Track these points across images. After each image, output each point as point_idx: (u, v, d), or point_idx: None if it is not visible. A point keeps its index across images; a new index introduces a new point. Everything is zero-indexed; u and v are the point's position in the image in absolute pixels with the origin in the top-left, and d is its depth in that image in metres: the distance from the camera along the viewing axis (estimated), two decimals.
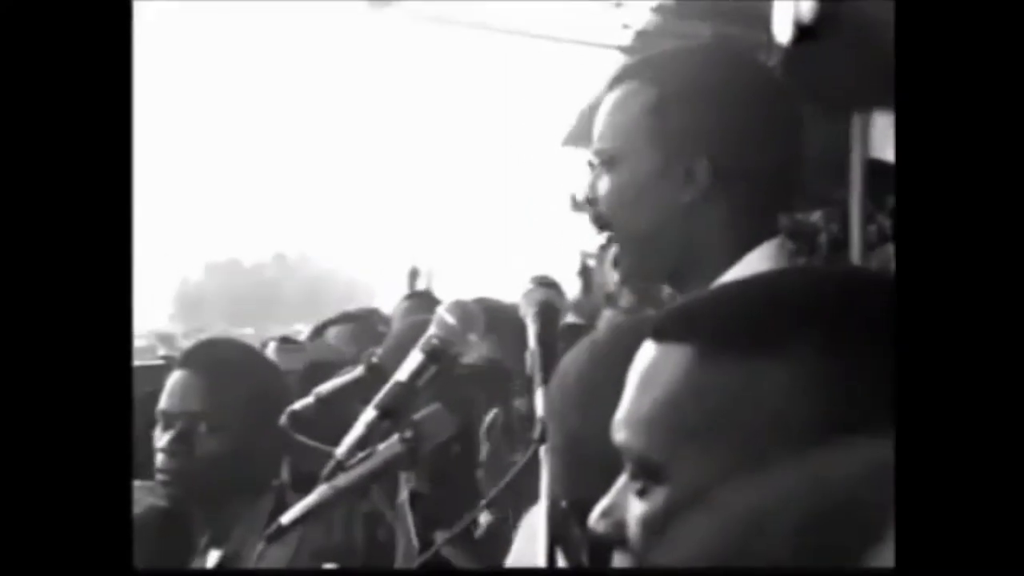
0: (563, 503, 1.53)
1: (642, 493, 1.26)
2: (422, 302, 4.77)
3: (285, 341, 4.45)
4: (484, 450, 2.07)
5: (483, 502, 1.97)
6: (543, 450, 1.70)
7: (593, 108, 2.06)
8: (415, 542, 1.96)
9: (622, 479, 1.29)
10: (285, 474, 2.94)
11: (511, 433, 2.08)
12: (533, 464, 1.73)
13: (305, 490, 2.05)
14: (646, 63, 2.07)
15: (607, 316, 8.12)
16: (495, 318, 2.45)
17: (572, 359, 1.68)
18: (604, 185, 1.96)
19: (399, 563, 1.98)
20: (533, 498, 1.77)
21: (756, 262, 1.91)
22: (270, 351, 4.02)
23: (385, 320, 4.74)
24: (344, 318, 4.78)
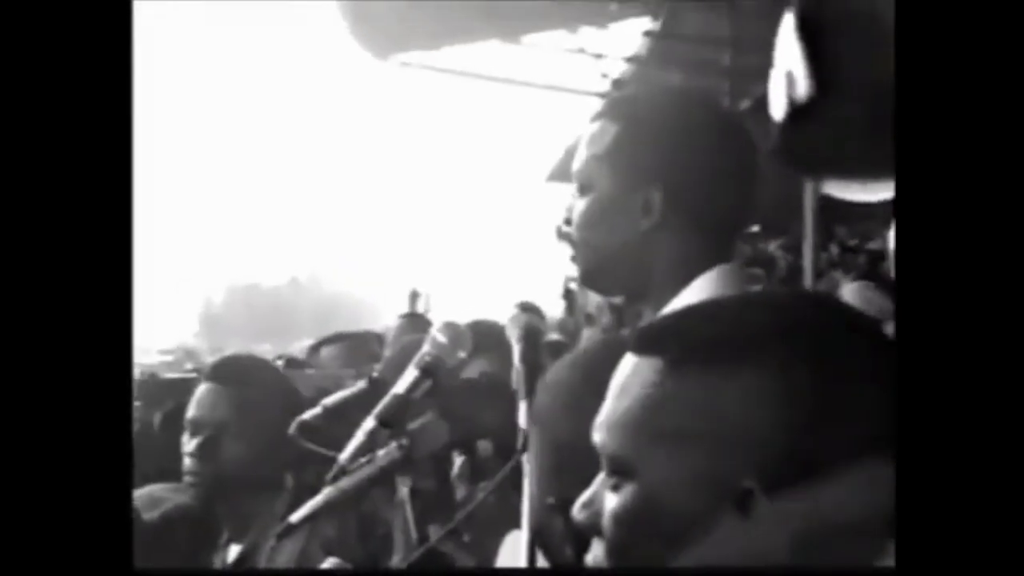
0: (550, 500, 1.53)
1: (615, 488, 1.28)
2: (414, 322, 4.83)
3: (291, 363, 4.43)
4: (459, 492, 2.08)
5: (473, 503, 1.97)
6: (525, 457, 1.70)
7: (575, 147, 2.08)
8: (414, 534, 1.96)
9: (601, 475, 1.31)
10: (288, 481, 2.94)
11: (481, 475, 2.09)
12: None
13: (308, 494, 2.05)
14: (618, 101, 2.09)
15: (587, 335, 8.11)
16: (486, 337, 2.46)
17: (558, 371, 1.68)
18: (576, 209, 1.98)
19: (397, 556, 1.98)
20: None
21: (706, 285, 1.91)
22: None
23: (378, 339, 4.71)
24: (339, 338, 4.72)
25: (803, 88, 1.26)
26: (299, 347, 4.78)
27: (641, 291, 1.96)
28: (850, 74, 1.28)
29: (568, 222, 2.01)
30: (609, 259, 1.96)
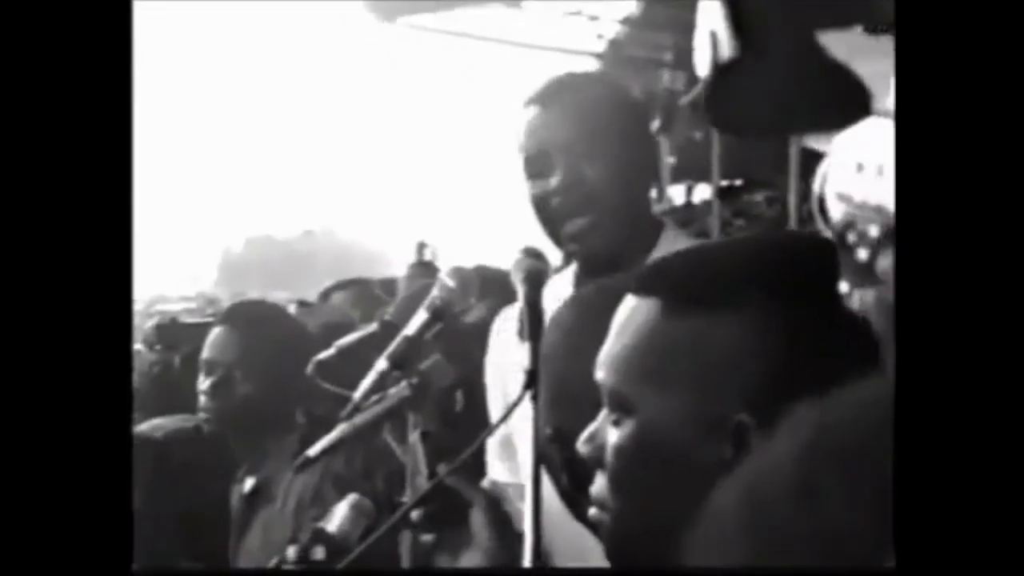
0: (547, 430, 1.53)
1: (616, 423, 1.26)
2: (424, 270, 4.93)
3: (302, 304, 4.52)
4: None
5: (480, 438, 1.95)
6: (530, 395, 1.68)
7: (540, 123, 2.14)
8: (424, 472, 1.94)
9: (604, 411, 1.29)
10: (299, 417, 2.95)
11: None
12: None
13: (320, 429, 2.06)
14: (582, 78, 2.24)
15: None
16: (490, 282, 2.45)
17: (560, 311, 1.68)
18: (592, 171, 2.03)
19: (408, 490, 1.96)
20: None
21: (674, 239, 2.04)
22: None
23: (382, 286, 4.80)
24: (346, 284, 4.79)
25: (726, 47, 1.23)
26: (314, 294, 4.94)
27: (620, 252, 2.01)
28: (773, 32, 1.25)
29: (547, 200, 2.05)
30: (625, 222, 2.02)
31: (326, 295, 4.76)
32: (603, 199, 2.03)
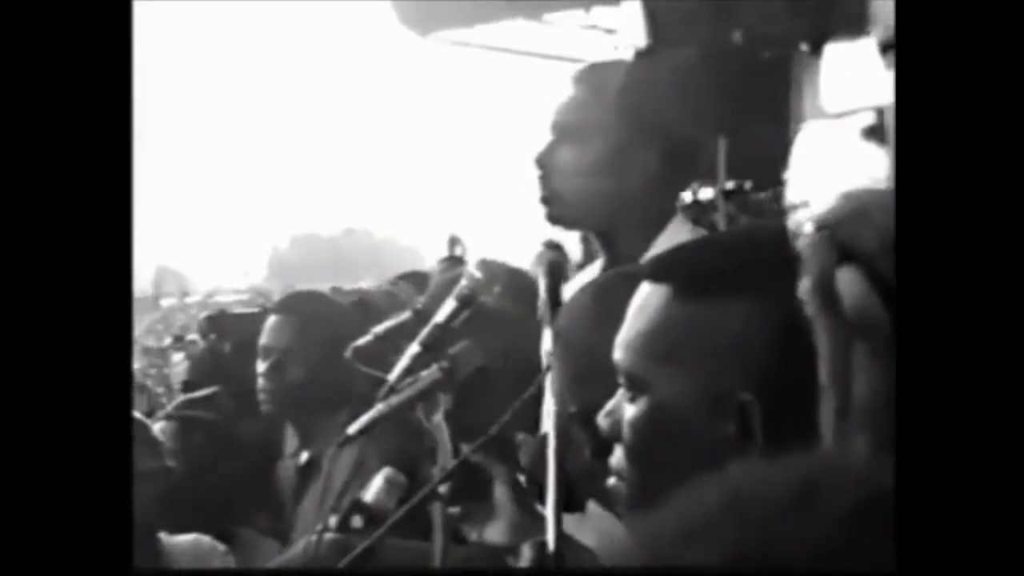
0: (572, 408, 1.53)
1: (632, 400, 1.27)
2: (453, 263, 5.02)
3: (335, 289, 4.70)
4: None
5: (501, 420, 1.95)
6: (548, 377, 1.68)
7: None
8: (449, 450, 1.95)
9: (621, 389, 1.29)
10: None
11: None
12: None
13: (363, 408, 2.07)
14: (608, 65, 2.25)
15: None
16: (515, 274, 2.46)
17: (579, 296, 1.69)
18: (568, 156, 2.09)
19: (439, 465, 1.97)
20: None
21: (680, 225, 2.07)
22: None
23: (422, 278, 4.89)
24: (411, 275, 4.95)
25: (641, 36, 1.23)
26: (358, 287, 5.17)
27: (615, 230, 2.06)
28: (688, 32, 1.24)
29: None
30: (607, 213, 2.08)
31: (395, 283, 4.86)
32: (566, 182, 2.08)
